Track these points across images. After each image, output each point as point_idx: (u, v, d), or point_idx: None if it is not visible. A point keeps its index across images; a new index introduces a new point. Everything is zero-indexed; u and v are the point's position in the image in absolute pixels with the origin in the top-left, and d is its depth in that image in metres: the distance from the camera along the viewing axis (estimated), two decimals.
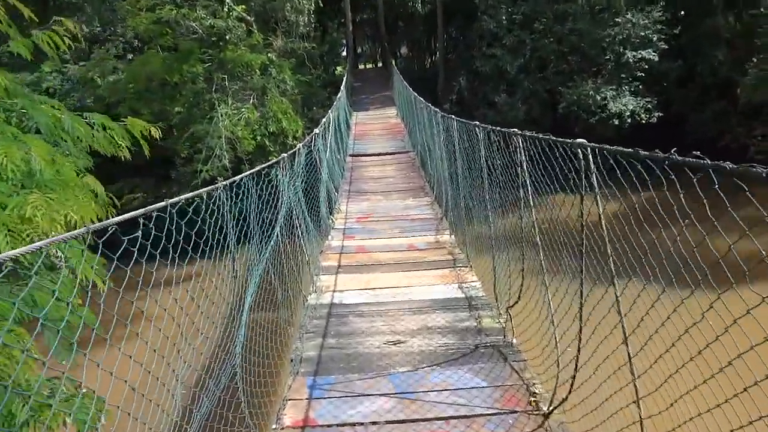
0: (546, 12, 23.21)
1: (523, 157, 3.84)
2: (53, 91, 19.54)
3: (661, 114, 20.92)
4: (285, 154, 5.12)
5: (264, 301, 4.81)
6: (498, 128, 4.37)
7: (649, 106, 20.91)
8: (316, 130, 8.53)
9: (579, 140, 2.81)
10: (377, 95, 26.47)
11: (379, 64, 40.53)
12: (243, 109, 17.75)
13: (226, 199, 3.31)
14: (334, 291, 6.00)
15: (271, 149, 17.94)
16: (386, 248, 7.52)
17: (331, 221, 8.82)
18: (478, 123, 5.29)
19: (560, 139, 3.01)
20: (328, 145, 10.32)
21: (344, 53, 33.56)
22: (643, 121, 20.82)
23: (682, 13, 21.14)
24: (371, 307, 5.48)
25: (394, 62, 27.48)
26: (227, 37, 17.98)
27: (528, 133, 3.68)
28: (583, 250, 3.11)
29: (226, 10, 17.90)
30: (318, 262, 6.88)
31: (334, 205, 9.75)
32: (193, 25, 17.94)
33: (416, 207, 9.83)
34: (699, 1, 23.84)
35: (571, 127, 22.00)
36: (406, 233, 8.25)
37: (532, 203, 4.05)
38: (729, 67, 21.64)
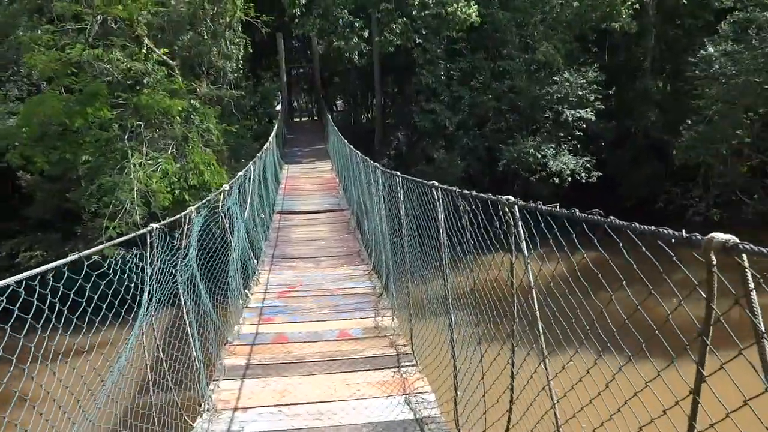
0: (484, 68, 22.94)
1: (521, 233, 2.50)
2: None
3: (600, 174, 20.65)
4: (155, 225, 3.57)
5: None
6: (489, 195, 3.00)
7: (588, 165, 20.61)
8: (226, 186, 6.98)
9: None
10: (311, 148, 25.20)
11: (315, 117, 39.57)
12: (160, 160, 15.92)
13: None
14: (235, 409, 4.35)
15: (191, 204, 16.07)
16: (312, 337, 5.94)
17: (245, 298, 7.17)
18: (436, 183, 3.96)
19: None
20: (249, 201, 8.77)
21: (279, 106, 32.34)
22: (583, 181, 20.44)
23: (603, 77, 21.20)
24: None
25: (330, 115, 26.40)
26: (145, 81, 16.30)
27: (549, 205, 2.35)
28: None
29: (144, 52, 16.28)
30: (219, 361, 5.21)
31: (251, 276, 8.11)
32: (107, 67, 16.19)
33: (351, 278, 8.31)
34: (628, 65, 24.39)
35: (510, 186, 21.43)
36: (338, 314, 6.70)
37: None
38: (661, 129, 21.86)
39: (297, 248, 10.48)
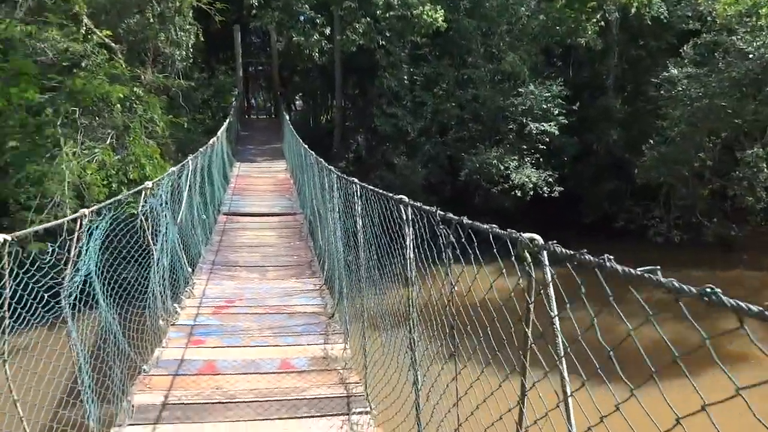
0: (448, 75, 22.35)
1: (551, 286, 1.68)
2: None
3: (562, 189, 20.29)
4: (2, 236, 2.54)
5: None
6: (491, 226, 2.12)
7: (550, 179, 20.22)
8: (148, 184, 5.97)
9: None
10: (266, 147, 24.03)
11: (273, 116, 38.24)
12: (96, 150, 14.58)
13: None
14: None
15: (131, 200, 14.80)
16: (248, 367, 4.99)
17: (173, 313, 6.15)
18: (405, 198, 3.11)
19: None
20: (184, 201, 7.73)
21: (234, 102, 31.04)
22: (545, 195, 20.03)
23: (568, 92, 20.90)
24: None
25: (287, 114, 25.31)
26: (83, 64, 14.93)
27: None
28: None
29: (83, 32, 14.91)
30: (127, 398, 4.21)
31: (184, 286, 7.08)
32: (42, 46, 14.77)
33: (300, 293, 7.38)
34: (592, 82, 24.26)
35: (471, 196, 20.87)
36: (282, 338, 5.77)
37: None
38: (623, 147, 21.74)
39: (241, 255, 9.47)
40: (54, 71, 14.55)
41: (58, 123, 14.40)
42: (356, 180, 4.83)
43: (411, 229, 3.03)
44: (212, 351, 5.39)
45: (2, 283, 2.57)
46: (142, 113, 15.56)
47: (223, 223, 11.69)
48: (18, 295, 2.78)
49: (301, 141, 12.89)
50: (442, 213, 2.52)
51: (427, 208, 2.72)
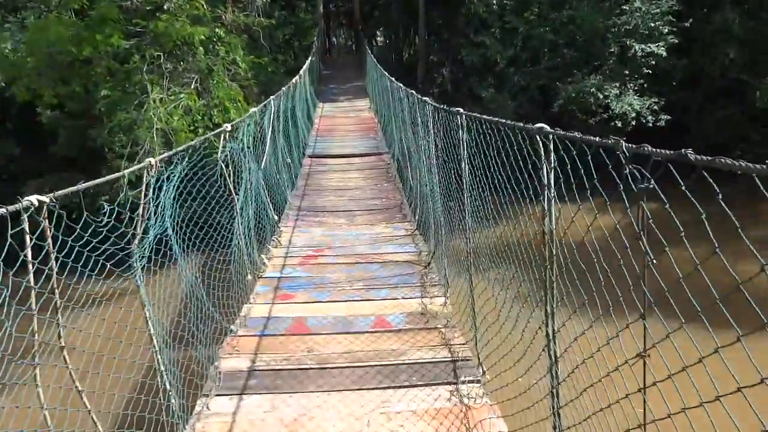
0: None
1: None
2: None
3: (668, 117, 18.32)
4: (33, 198, 2.04)
5: None
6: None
7: (655, 107, 18.28)
8: (227, 126, 5.51)
9: None
10: (348, 85, 23.39)
11: (354, 53, 37.35)
12: (182, 95, 14.52)
13: None
14: None
15: (216, 144, 14.75)
16: (340, 326, 4.53)
17: (260, 266, 5.78)
18: (546, 127, 2.39)
19: None
20: (268, 145, 7.29)
21: (315, 40, 30.37)
22: (650, 124, 18.17)
23: (678, 8, 18.39)
24: None
25: (369, 49, 24.36)
26: (165, 7, 14.71)
27: None
28: None
29: None
30: (215, 364, 3.86)
31: (270, 236, 6.72)
32: None
33: (391, 240, 6.82)
34: None
35: (564, 129, 19.24)
36: (375, 291, 5.25)
37: None
38: (741, 68, 19.20)
39: (328, 199, 9.04)
40: (138, 16, 14.44)
41: (144, 69, 14.39)
42: (461, 110, 4.08)
43: (552, 166, 2.31)
44: (301, 307, 4.97)
45: (44, 252, 2.13)
46: (225, 55, 15.28)
47: (308, 166, 11.31)
48: (71, 259, 2.36)
49: (387, 74, 12.11)
50: (631, 146, 1.79)
51: (595, 139, 1.99)
